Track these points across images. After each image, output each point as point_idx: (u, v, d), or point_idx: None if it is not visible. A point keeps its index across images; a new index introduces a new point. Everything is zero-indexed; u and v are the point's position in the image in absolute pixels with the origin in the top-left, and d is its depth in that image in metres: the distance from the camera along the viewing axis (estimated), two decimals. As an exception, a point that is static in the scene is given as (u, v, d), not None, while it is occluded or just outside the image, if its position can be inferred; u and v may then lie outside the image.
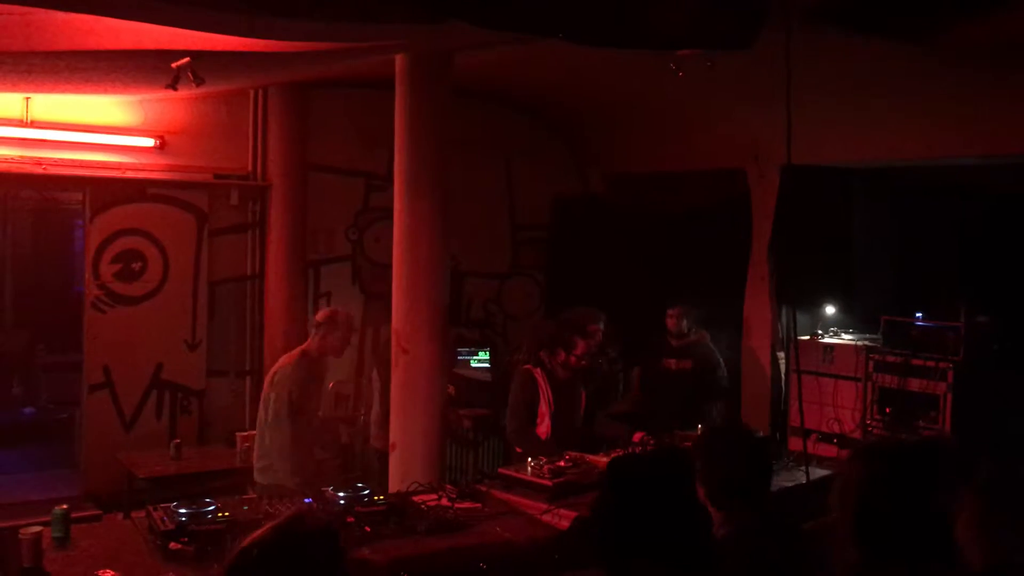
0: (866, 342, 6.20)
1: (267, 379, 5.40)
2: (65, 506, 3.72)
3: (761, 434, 2.94)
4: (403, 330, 5.42)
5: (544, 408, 5.17)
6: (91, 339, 6.74)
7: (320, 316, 5.52)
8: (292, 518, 1.87)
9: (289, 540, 1.81)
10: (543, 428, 5.18)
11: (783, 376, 6.84)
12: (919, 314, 5.91)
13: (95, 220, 6.70)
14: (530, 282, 8.55)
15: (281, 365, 5.32)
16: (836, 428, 5.97)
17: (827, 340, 6.39)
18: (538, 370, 5.20)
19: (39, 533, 3.36)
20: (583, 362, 5.19)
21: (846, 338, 6.43)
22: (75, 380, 7.25)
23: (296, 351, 5.40)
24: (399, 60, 5.39)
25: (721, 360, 6.59)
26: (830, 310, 6.76)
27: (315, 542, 1.82)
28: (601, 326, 5.46)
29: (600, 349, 5.57)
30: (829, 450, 5.77)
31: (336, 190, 7.54)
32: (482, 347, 7.76)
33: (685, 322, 6.57)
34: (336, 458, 6.28)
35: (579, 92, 7.38)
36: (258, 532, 1.82)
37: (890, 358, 5.89)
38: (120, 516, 4.36)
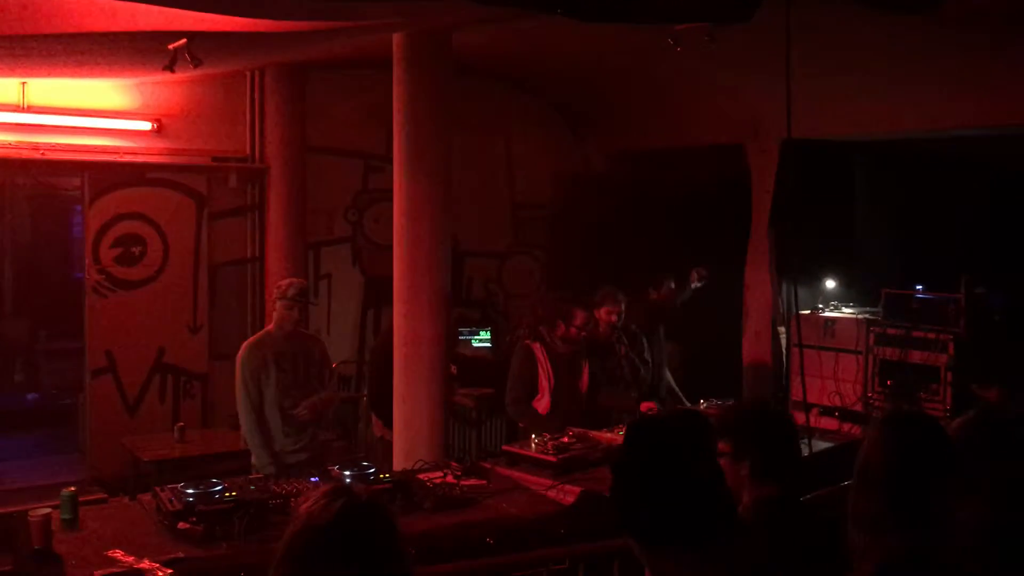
0: (867, 315, 6.20)
1: None
2: (73, 488, 3.74)
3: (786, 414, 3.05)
4: (405, 310, 5.43)
5: (544, 383, 5.17)
6: (93, 324, 6.75)
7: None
8: (343, 494, 1.62)
9: (347, 517, 1.58)
10: (543, 403, 5.19)
11: (784, 350, 6.85)
12: (919, 286, 5.91)
13: (94, 205, 6.69)
14: (531, 260, 8.54)
15: (240, 353, 5.01)
16: (837, 401, 5.98)
17: (828, 314, 6.40)
18: (537, 344, 5.21)
19: (48, 515, 3.36)
20: (583, 333, 5.17)
21: (847, 311, 6.43)
22: (78, 366, 7.26)
23: (261, 332, 5.10)
24: (396, 39, 5.36)
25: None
26: (830, 284, 6.76)
27: (372, 515, 1.62)
28: (621, 307, 5.45)
29: (614, 328, 5.53)
30: (831, 423, 5.79)
31: (335, 171, 7.53)
32: (483, 326, 7.77)
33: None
34: (341, 439, 6.29)
35: (578, 69, 7.35)
36: (305, 507, 1.60)
37: (891, 331, 5.90)
38: (126, 499, 4.38)
